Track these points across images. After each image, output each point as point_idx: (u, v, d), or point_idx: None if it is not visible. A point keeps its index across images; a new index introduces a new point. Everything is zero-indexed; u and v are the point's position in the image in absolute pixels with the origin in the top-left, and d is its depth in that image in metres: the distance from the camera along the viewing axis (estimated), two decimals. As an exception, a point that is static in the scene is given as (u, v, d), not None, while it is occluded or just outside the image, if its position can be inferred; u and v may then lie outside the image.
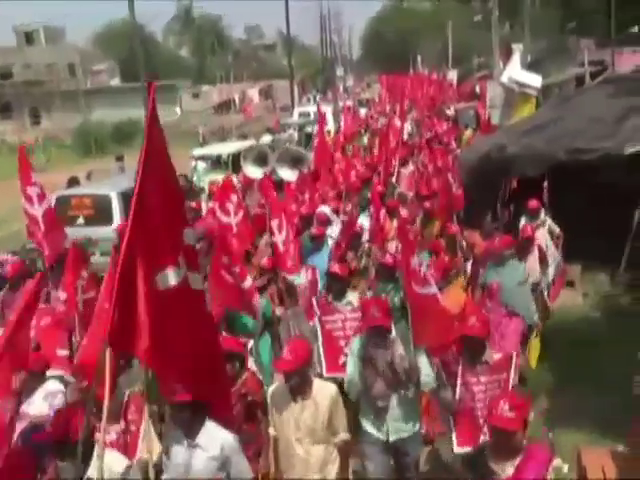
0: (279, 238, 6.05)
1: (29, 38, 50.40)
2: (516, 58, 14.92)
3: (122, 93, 43.05)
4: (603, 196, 8.26)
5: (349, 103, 31.43)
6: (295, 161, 12.37)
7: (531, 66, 16.69)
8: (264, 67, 71.94)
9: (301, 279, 6.25)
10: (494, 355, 4.28)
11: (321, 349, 5.09)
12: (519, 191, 9.03)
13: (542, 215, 7.80)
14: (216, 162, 15.58)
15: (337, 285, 5.49)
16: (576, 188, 8.37)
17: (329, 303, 5.37)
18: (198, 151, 16.72)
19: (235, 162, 15.31)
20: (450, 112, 23.10)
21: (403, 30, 68.17)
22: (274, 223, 6.08)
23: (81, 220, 10.09)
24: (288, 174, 11.52)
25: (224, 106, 43.43)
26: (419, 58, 56.00)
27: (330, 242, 7.59)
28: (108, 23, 66.61)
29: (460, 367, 4.19)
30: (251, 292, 5.42)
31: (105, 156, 27.22)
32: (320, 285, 6.23)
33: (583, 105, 9.76)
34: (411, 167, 12.76)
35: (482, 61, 44.12)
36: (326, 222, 8.01)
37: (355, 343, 4.51)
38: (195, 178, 14.65)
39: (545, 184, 8.41)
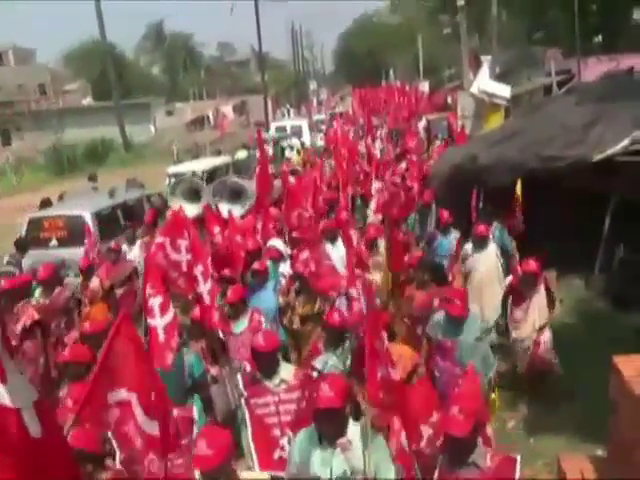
0: (204, 288, 5.12)
1: (-2, 59, 49.97)
2: (485, 69, 15.16)
3: (94, 112, 42.72)
4: (575, 202, 8.41)
5: (324, 117, 31.68)
6: (234, 194, 11.28)
7: (500, 76, 16.92)
8: (237, 83, 72.01)
9: (242, 326, 5.68)
10: (486, 455, 3.39)
11: (251, 440, 4.25)
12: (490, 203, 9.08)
13: (490, 244, 7.31)
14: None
15: (265, 360, 4.36)
16: (548, 195, 8.50)
17: (258, 381, 4.36)
18: (173, 169, 16.65)
19: (209, 179, 15.28)
20: (422, 123, 23.31)
21: (374, 44, 68.95)
22: (198, 270, 5.12)
23: (54, 242, 9.97)
24: (228, 209, 9.75)
25: (198, 123, 43.34)
26: (391, 71, 56.56)
27: (283, 281, 6.97)
28: (79, 43, 66.22)
29: (437, 470, 3.48)
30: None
31: (78, 176, 26.91)
32: (266, 325, 5.66)
33: (551, 114, 9.94)
34: (378, 185, 11.61)
35: (453, 72, 44.74)
36: (278, 258, 7.28)
37: (300, 437, 3.61)
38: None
39: (518, 190, 8.54)
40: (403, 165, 13.75)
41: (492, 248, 7.30)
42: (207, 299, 5.14)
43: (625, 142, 7.90)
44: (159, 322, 4.77)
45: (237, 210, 10.16)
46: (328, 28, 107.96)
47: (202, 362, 5.20)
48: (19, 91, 46.50)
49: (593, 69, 16.83)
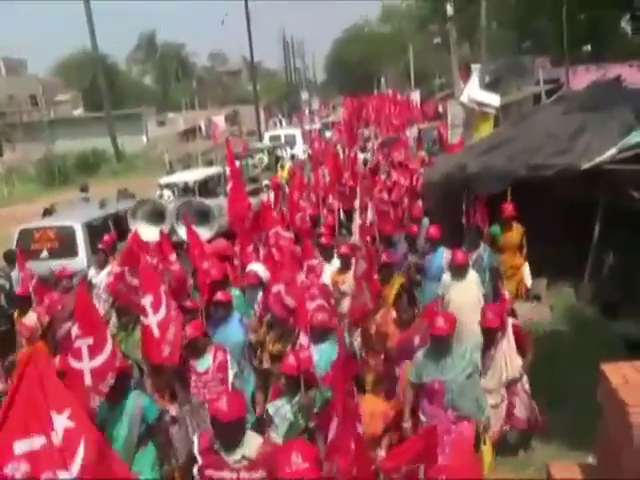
0: (153, 319, 4.86)
1: (-11, 70, 49.94)
2: (475, 78, 15.29)
3: (86, 123, 42.73)
4: (565, 210, 8.47)
5: (316, 127, 31.70)
6: (201, 216, 10.43)
7: (489, 85, 17.08)
8: (229, 93, 72.22)
9: (206, 364, 5.16)
10: None
11: None
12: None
13: (469, 272, 6.70)
14: (183, 190, 15.52)
15: (227, 432, 3.67)
16: (538, 203, 8.56)
17: (217, 454, 3.72)
18: (165, 179, 16.65)
19: (201, 189, 15.28)
20: (414, 132, 23.43)
21: (365, 53, 69.36)
22: (147, 300, 4.86)
23: (45, 253, 9.94)
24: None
25: (190, 133, 43.33)
26: (382, 80, 56.83)
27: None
28: (70, 53, 66.25)
29: None
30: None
31: (69, 187, 26.87)
32: (232, 364, 5.20)
33: (540, 122, 10.02)
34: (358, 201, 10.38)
35: (443, 81, 45.02)
36: (257, 284, 6.74)
37: None
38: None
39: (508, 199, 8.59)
40: (394, 177, 13.32)
41: (472, 277, 6.68)
42: (156, 332, 4.88)
43: (613, 151, 7.96)
44: (152, 319, 5.00)
45: (204, 233, 9.38)
46: (320, 37, 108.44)
47: (156, 405, 4.70)
48: (10, 102, 46.47)
49: (581, 78, 16.99)
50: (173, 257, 7.13)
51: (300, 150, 25.47)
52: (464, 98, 14.31)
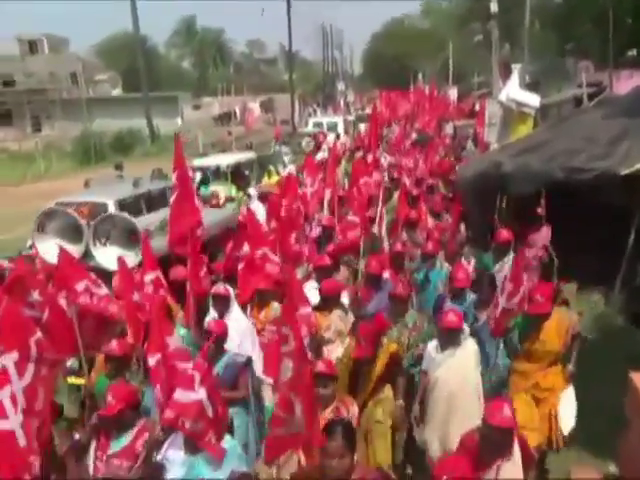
0: (18, 386, 3.62)
1: (32, 47, 50.73)
2: (515, 77, 15.02)
3: (123, 103, 43.37)
4: (599, 216, 8.30)
5: (351, 118, 31.75)
6: (126, 235, 8.58)
7: (529, 86, 16.81)
8: (265, 80, 72.41)
9: (122, 442, 4.10)
10: None
11: None
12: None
13: (466, 339, 5.04)
14: (215, 173, 15.67)
15: None
16: (571, 208, 8.42)
17: None
18: (198, 162, 16.83)
19: (234, 173, 15.40)
20: (449, 129, 23.23)
21: (404, 49, 68.81)
22: (9, 360, 3.57)
23: (79, 228, 10.04)
24: (112, 259, 6.96)
25: (225, 118, 43.61)
26: (420, 76, 56.38)
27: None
28: (111, 34, 67.13)
29: None
30: None
31: (105, 165, 27.30)
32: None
33: (579, 126, 9.82)
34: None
35: (482, 80, 44.48)
36: (226, 305, 5.80)
37: None
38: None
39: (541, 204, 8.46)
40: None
41: (470, 346, 4.99)
42: (19, 433, 3.53)
43: (654, 158, 7.77)
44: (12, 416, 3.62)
45: (130, 258, 7.46)
46: (359, 29, 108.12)
47: None
48: (51, 79, 47.15)
49: (625, 83, 16.65)
50: (81, 285, 5.05)
51: (342, 136, 26.01)
52: (502, 97, 14.10)
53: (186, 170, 7.22)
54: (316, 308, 5.72)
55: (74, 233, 8.44)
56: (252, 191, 13.98)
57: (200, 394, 3.67)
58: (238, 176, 15.57)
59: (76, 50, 57.19)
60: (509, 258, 6.47)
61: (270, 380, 5.30)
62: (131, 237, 8.49)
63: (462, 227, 9.08)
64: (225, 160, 16.19)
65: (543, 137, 10.05)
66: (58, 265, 5.15)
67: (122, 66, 57.18)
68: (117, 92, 54.44)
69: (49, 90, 45.82)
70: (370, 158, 10.68)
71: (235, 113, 41.28)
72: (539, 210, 8.11)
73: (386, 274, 6.51)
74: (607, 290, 8.67)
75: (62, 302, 4.86)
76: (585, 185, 8.03)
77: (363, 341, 4.75)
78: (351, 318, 5.90)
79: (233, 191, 14.71)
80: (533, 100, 13.66)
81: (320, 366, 4.30)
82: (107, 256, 8.03)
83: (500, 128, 14.32)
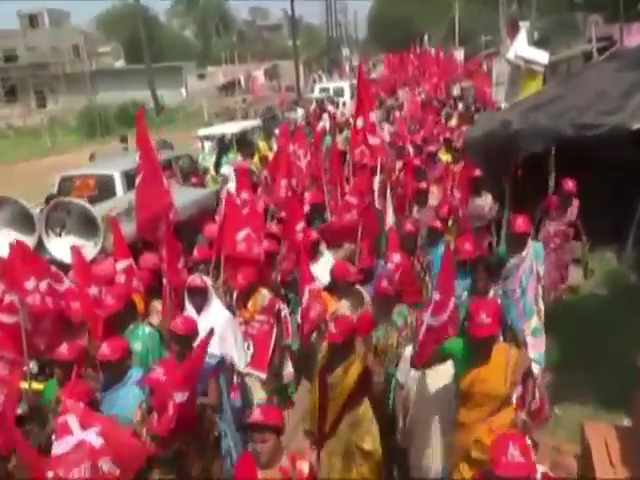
0: None
1: (33, 21, 50.17)
2: (523, 35, 14.71)
3: (126, 75, 43.01)
4: (610, 174, 8.17)
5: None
6: (83, 224, 7.61)
7: (538, 43, 16.45)
8: (269, 47, 71.51)
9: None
10: None
11: None
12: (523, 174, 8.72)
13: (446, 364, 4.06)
14: (220, 142, 15.58)
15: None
16: (583, 166, 8.28)
17: None
18: (203, 131, 16.74)
19: (239, 142, 15.30)
20: (456, 90, 22.88)
21: (410, 10, 67.46)
22: None
23: (85, 200, 10.08)
24: (67, 251, 5.86)
25: (229, 87, 43.23)
26: (425, 38, 55.37)
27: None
28: (112, 5, 66.27)
29: None
30: None
31: (110, 137, 27.22)
32: None
33: (589, 81, 9.63)
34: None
35: (489, 39, 43.66)
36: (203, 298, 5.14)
37: None
38: (200, 158, 14.65)
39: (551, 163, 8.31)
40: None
41: (447, 367, 4.08)
42: None
43: (666, 111, 7.62)
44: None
45: (88, 248, 6.87)
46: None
47: None
48: (53, 53, 46.73)
49: (636, 36, 16.28)
50: (31, 284, 4.61)
51: (349, 101, 25.75)
52: (510, 55, 13.84)
53: (151, 148, 6.47)
54: (326, 288, 5.44)
55: (25, 223, 7.47)
56: (226, 170, 12.47)
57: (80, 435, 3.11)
58: (244, 144, 15.48)
59: (77, 23, 56.60)
60: (528, 251, 5.63)
61: (259, 373, 5.28)
62: (88, 225, 7.54)
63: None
64: (230, 129, 16.10)
65: (553, 93, 9.87)
66: (8, 260, 4.62)
67: (124, 37, 56.52)
68: (120, 64, 53.93)
69: (52, 64, 45.48)
70: (360, 123, 8.83)
71: (240, 82, 40.92)
72: (570, 185, 7.58)
73: (396, 257, 5.49)
74: (619, 247, 8.60)
75: (13, 301, 4.43)
76: (596, 141, 7.90)
77: (336, 330, 4.13)
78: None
79: (239, 159, 14.64)
80: (542, 57, 13.40)
81: (256, 414, 3.35)
82: (62, 247, 6.98)
83: (508, 87, 14.09)
